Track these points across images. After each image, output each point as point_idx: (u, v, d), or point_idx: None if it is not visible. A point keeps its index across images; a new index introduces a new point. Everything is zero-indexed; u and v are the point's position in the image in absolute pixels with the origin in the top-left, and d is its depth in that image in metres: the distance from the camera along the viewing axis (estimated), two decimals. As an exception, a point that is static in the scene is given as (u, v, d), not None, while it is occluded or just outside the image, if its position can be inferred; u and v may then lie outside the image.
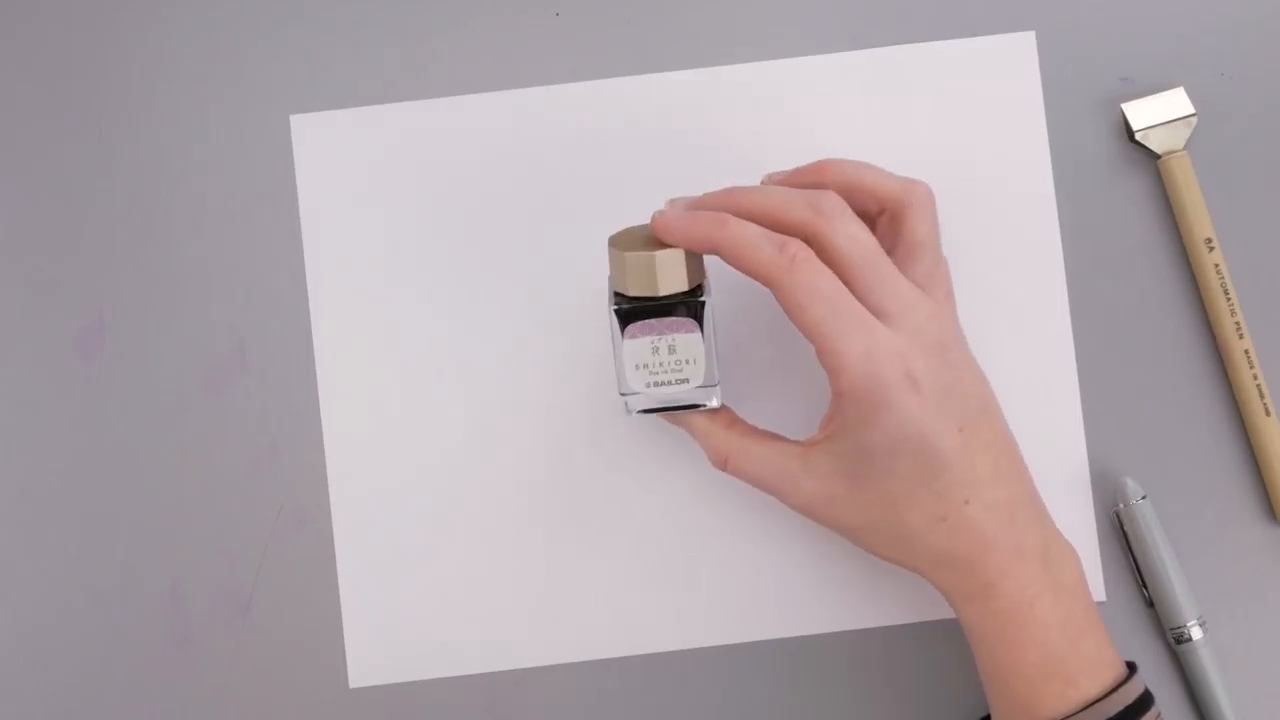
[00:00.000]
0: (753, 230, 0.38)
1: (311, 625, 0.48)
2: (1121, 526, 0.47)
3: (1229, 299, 0.47)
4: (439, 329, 0.48)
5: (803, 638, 0.47)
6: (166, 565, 0.48)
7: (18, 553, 0.48)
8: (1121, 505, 0.46)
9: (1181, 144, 0.48)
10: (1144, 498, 0.46)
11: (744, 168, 0.48)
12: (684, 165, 0.49)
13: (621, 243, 0.39)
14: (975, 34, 0.49)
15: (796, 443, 0.41)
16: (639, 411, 0.41)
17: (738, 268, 0.38)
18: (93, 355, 0.49)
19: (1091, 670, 0.39)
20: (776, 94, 0.49)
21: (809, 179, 0.42)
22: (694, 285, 0.39)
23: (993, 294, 0.48)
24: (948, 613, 0.46)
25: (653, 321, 0.39)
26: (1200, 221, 0.47)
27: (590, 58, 0.49)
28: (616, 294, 0.40)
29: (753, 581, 0.47)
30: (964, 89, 0.49)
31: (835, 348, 0.37)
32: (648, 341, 0.39)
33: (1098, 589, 0.47)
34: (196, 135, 0.49)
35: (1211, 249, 0.47)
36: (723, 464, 0.41)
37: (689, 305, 0.39)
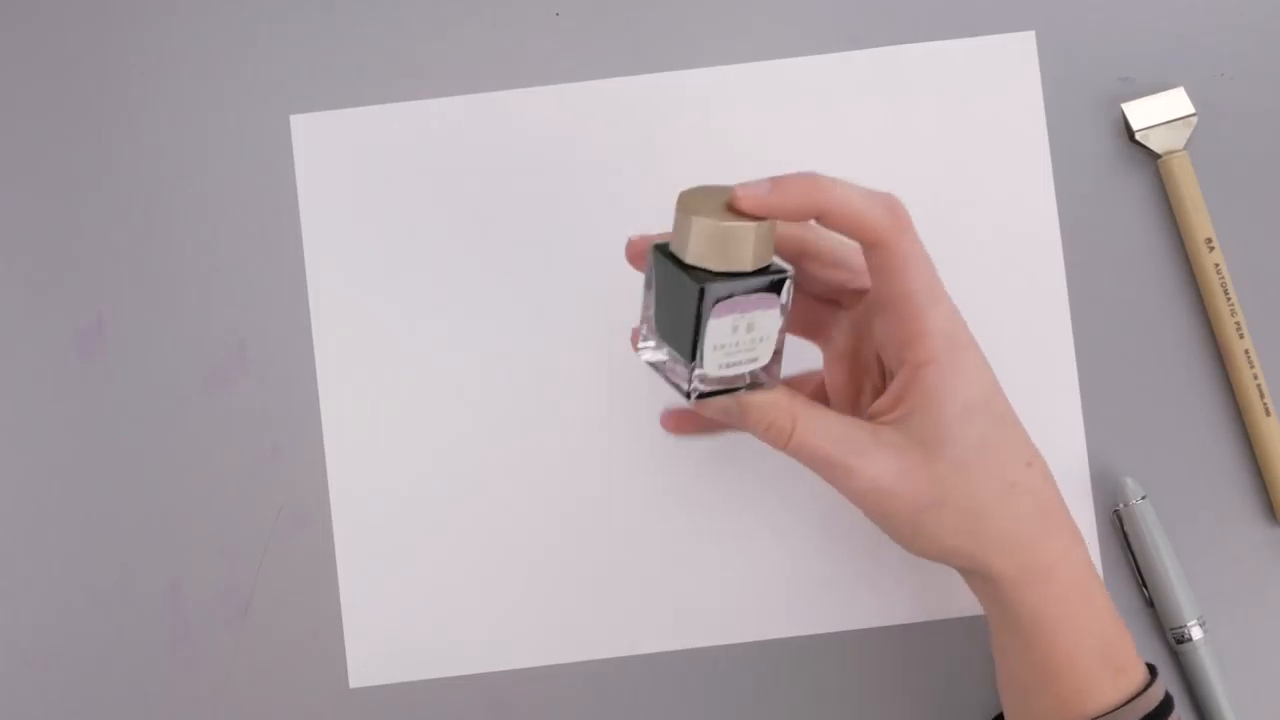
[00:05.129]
0: (856, 190, 0.36)
1: (311, 625, 0.48)
2: (1121, 526, 0.47)
3: (1229, 299, 0.47)
4: (439, 329, 0.48)
5: (803, 638, 0.47)
6: (166, 565, 0.48)
7: (18, 553, 0.48)
8: (1121, 505, 0.46)
9: (1181, 144, 0.48)
10: (1144, 498, 0.46)
11: (745, 168, 0.48)
12: (684, 165, 0.49)
13: (696, 210, 0.36)
14: (975, 34, 0.49)
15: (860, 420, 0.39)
16: (698, 398, 0.38)
17: (842, 227, 0.36)
18: (93, 355, 0.49)
19: (1136, 658, 0.39)
20: (776, 94, 0.49)
21: (794, 195, 0.37)
22: (765, 257, 0.37)
23: (993, 294, 0.48)
24: (947, 613, 0.46)
25: (740, 299, 0.36)
26: (1200, 221, 0.47)
27: (590, 58, 0.49)
28: (695, 268, 0.36)
29: (754, 581, 0.47)
30: (964, 89, 0.49)
31: (926, 312, 0.37)
32: (730, 320, 0.36)
33: (1098, 589, 0.47)
34: (196, 135, 0.49)
35: (1211, 249, 0.47)
36: (786, 437, 0.38)
37: (775, 280, 0.36)
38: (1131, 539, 0.46)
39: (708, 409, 0.39)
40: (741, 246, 0.35)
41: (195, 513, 0.48)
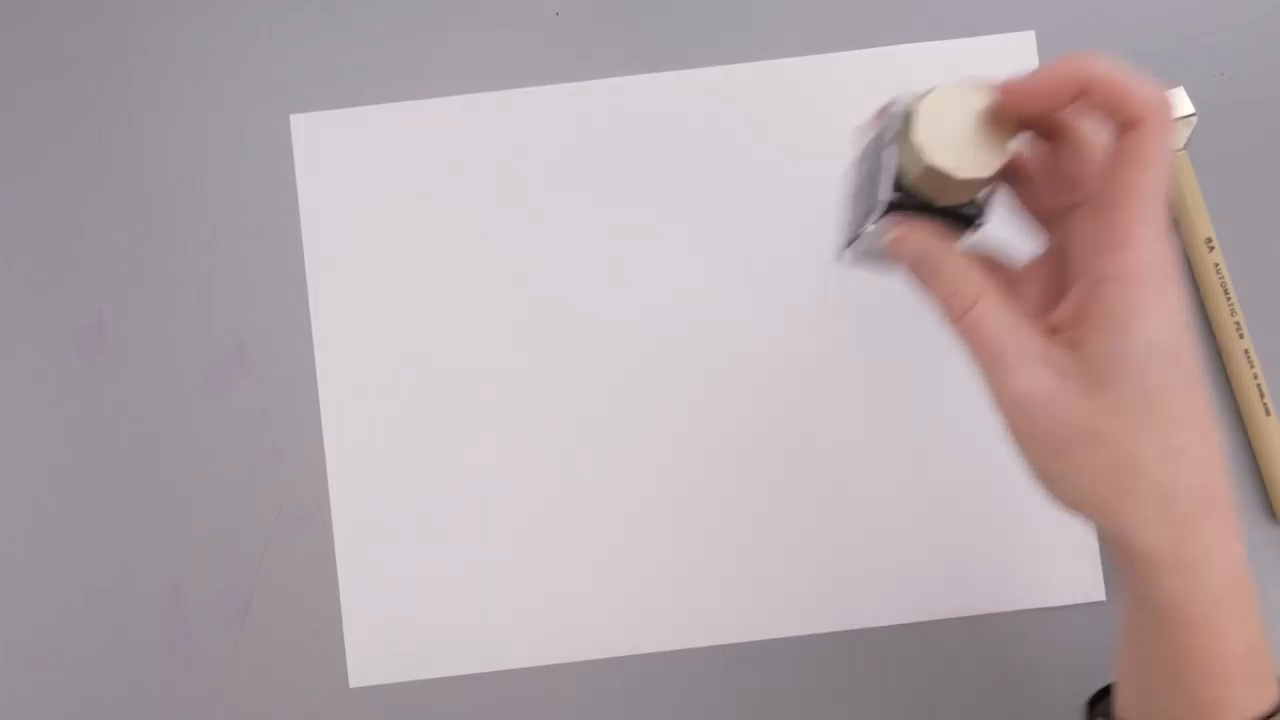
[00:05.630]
0: (1126, 68, 0.32)
1: (311, 625, 0.48)
2: (1121, 526, 0.47)
3: (1229, 299, 0.47)
4: (438, 329, 0.48)
5: (805, 638, 0.47)
6: (166, 565, 0.48)
7: (18, 553, 0.48)
8: (1121, 505, 0.46)
9: (1181, 144, 0.48)
10: (1144, 498, 0.46)
11: (745, 168, 0.48)
12: (684, 165, 0.49)
13: (935, 121, 0.34)
14: (975, 34, 0.49)
15: None
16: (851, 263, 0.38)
17: (1107, 98, 0.33)
18: (93, 355, 0.49)
19: (1274, 675, 0.34)
20: (776, 94, 0.49)
21: (1059, 73, 0.34)
22: (974, 195, 0.35)
23: (993, 294, 0.48)
24: (950, 614, 0.46)
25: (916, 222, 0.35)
26: (1200, 221, 0.47)
27: (590, 58, 0.49)
28: (898, 180, 0.35)
29: (753, 581, 0.47)
30: (964, 89, 0.49)
31: (1138, 217, 0.32)
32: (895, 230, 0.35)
33: (1098, 589, 0.47)
34: (196, 135, 0.49)
35: (1211, 249, 0.47)
36: (964, 309, 0.34)
37: (960, 220, 0.35)
38: (1131, 539, 0.46)
39: (902, 248, 0.36)
40: (946, 191, 0.34)
41: (195, 513, 0.48)
